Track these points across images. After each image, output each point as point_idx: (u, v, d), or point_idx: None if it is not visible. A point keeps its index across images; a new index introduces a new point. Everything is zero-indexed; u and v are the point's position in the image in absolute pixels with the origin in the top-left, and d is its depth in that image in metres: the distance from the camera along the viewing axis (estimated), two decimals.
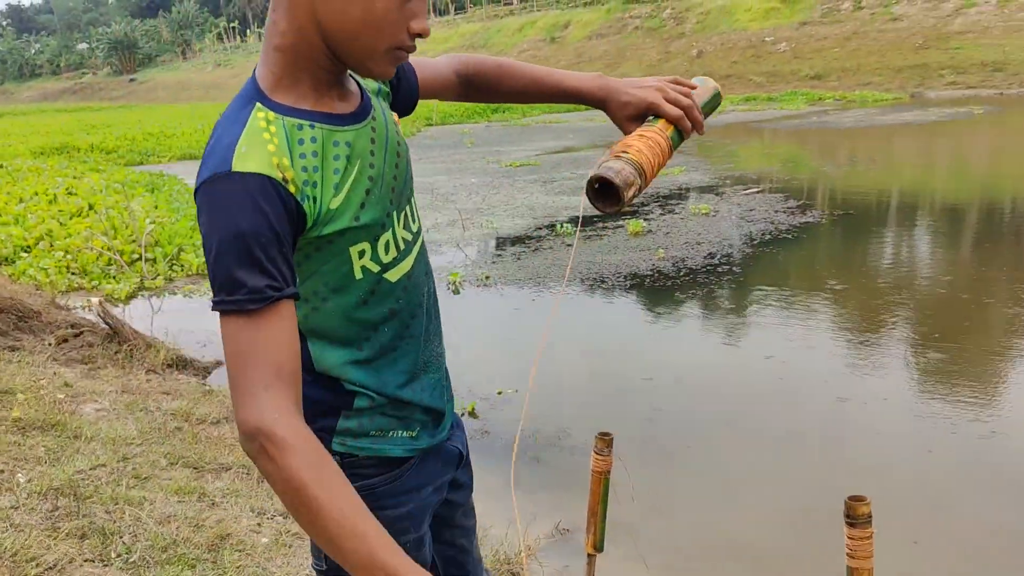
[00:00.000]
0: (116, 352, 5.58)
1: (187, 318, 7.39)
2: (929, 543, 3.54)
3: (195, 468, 3.75)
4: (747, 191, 13.11)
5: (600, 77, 1.43)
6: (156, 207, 12.26)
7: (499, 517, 3.67)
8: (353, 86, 1.23)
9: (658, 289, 7.84)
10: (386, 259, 1.21)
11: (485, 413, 5.11)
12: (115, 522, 2.99)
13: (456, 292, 8.06)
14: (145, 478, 3.51)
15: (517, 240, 10.18)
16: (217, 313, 1.05)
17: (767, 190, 13.29)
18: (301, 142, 1.10)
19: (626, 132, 1.40)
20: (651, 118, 1.40)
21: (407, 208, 1.28)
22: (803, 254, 9.65)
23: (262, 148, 1.06)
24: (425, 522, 1.39)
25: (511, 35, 50.04)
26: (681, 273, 8.30)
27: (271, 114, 1.10)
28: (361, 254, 1.17)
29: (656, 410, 5.08)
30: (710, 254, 9.07)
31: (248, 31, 76.95)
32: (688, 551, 3.55)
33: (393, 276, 1.23)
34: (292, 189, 1.06)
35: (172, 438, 4.11)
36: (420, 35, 1.14)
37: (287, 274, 1.05)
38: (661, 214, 11.53)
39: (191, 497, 3.38)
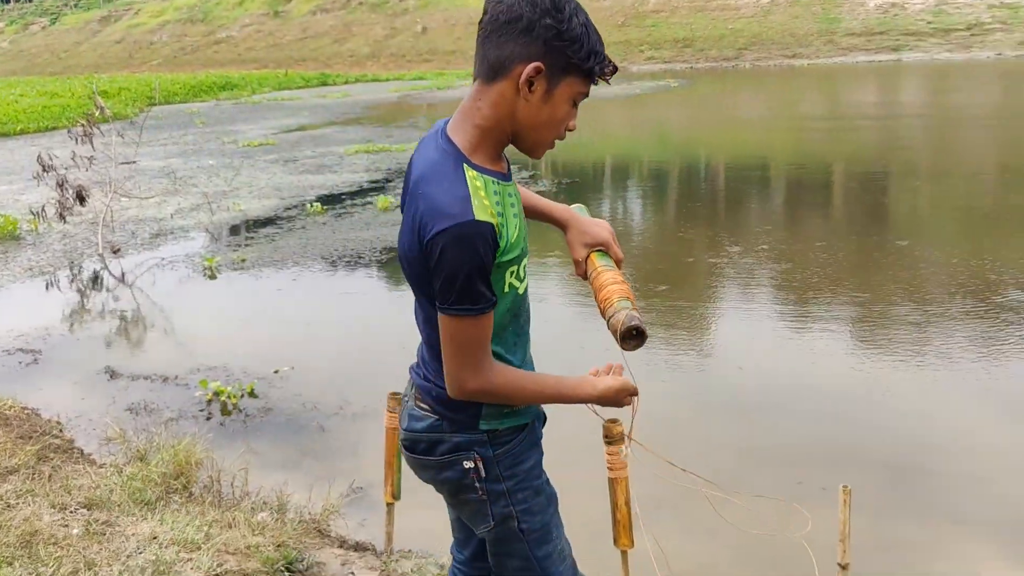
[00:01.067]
0: None
1: None
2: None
3: None
4: None
5: (567, 209, 1.96)
6: None
7: (297, 484, 3.94)
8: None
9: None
10: (523, 276, 1.68)
11: (265, 392, 5.28)
12: None
13: (212, 277, 7.98)
14: None
15: (268, 222, 10.14)
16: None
17: None
18: (496, 194, 1.56)
19: (574, 253, 1.90)
20: (599, 251, 1.89)
21: None
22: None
23: (484, 203, 1.51)
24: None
25: (231, 9, 47.61)
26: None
27: (475, 173, 1.54)
28: (512, 274, 1.63)
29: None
30: None
31: None
32: None
33: (522, 290, 1.71)
34: (498, 231, 1.52)
35: None
36: (571, 130, 1.67)
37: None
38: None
39: None
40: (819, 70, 34.36)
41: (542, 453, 1.89)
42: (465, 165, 1.54)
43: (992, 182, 11.45)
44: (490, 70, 1.52)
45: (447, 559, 3.09)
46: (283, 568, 3.12)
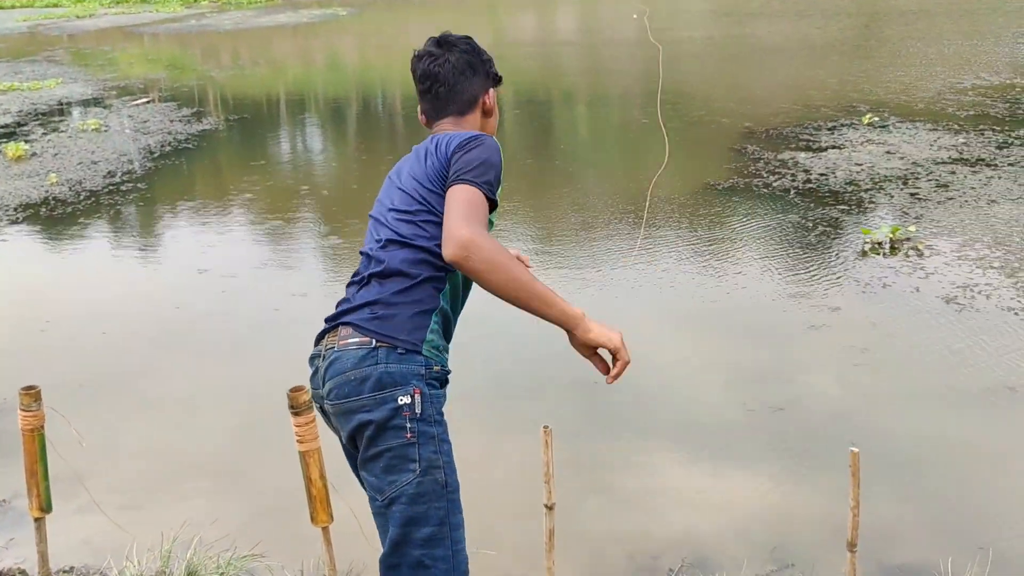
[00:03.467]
0: None
1: None
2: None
3: None
4: (137, 102, 12.49)
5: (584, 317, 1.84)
6: None
7: None
8: None
9: (59, 218, 7.21)
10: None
11: None
12: None
13: None
14: None
15: None
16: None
17: (157, 99, 12.83)
18: None
19: (581, 352, 1.85)
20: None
21: None
22: (207, 161, 9.70)
23: None
24: None
25: None
26: (81, 197, 7.73)
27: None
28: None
29: (91, 358, 4.83)
30: (110, 172, 8.57)
31: None
32: (139, 485, 3.54)
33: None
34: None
35: None
36: None
37: None
38: (45, 134, 10.40)
39: None
40: None
41: None
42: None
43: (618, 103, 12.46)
44: (464, 106, 2.04)
45: (116, 571, 2.67)
46: None
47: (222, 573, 2.61)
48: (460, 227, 1.67)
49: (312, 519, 2.25)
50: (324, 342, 1.85)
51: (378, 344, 1.74)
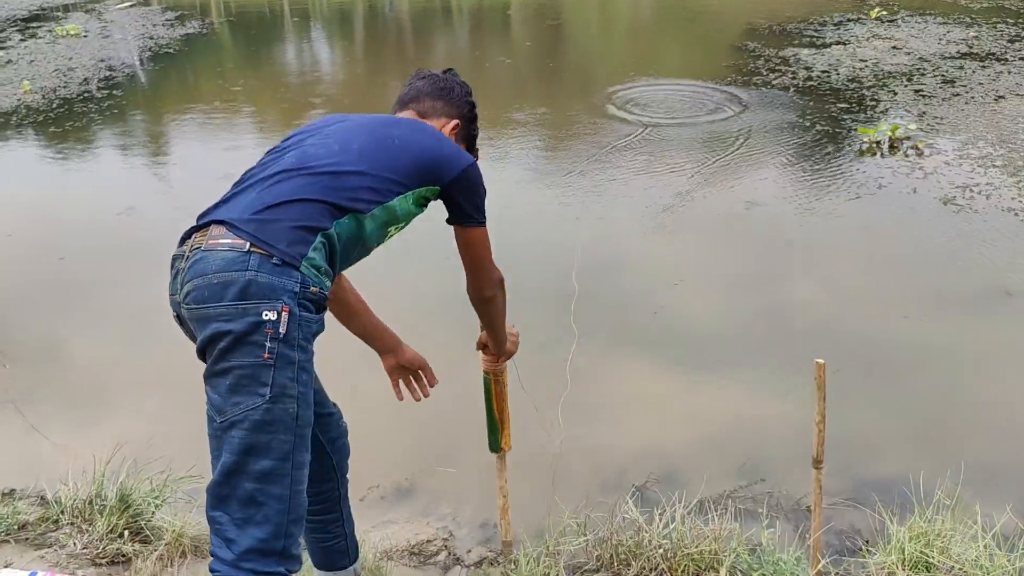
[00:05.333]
0: None
1: None
2: None
3: None
4: (120, 6, 12.02)
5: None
6: None
7: None
8: None
9: (32, 124, 6.98)
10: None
11: None
12: None
13: None
14: None
15: None
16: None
17: (140, 3, 12.35)
18: None
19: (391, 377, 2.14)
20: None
21: None
22: (190, 67, 9.35)
23: None
24: None
25: None
26: (54, 106, 7.46)
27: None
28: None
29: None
30: (85, 80, 8.26)
31: None
32: (86, 403, 3.44)
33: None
34: None
35: None
36: None
37: None
38: (22, 40, 10.03)
39: None
40: None
41: None
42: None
43: None
44: (452, 112, 2.01)
45: (50, 495, 2.57)
46: None
47: (156, 496, 2.51)
48: (494, 269, 1.89)
49: (494, 447, 2.25)
50: (190, 242, 1.62)
51: (252, 249, 1.54)
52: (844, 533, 2.56)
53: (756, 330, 3.65)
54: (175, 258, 1.64)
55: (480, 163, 1.88)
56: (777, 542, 2.36)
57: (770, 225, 4.60)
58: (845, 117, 6.06)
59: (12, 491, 2.76)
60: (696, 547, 2.31)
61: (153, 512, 2.48)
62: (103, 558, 2.34)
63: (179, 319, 1.65)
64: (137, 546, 2.38)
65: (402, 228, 1.83)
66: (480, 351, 2.18)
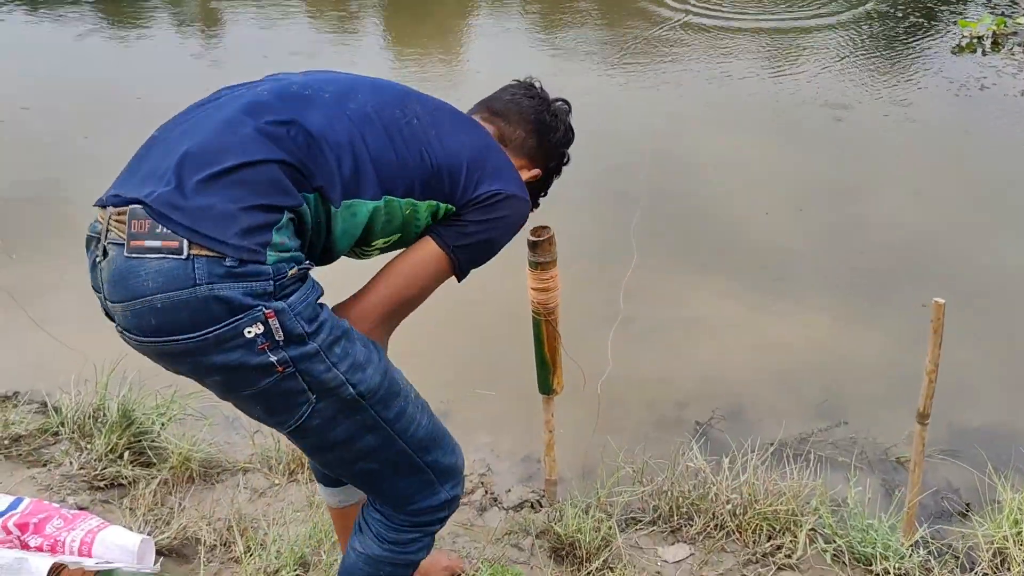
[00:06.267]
0: None
1: None
2: None
3: None
4: None
5: None
6: None
7: None
8: None
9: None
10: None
11: None
12: None
13: None
14: None
15: None
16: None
17: None
18: None
19: None
20: None
21: None
22: None
23: None
24: None
25: None
26: None
27: None
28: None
29: None
30: None
31: None
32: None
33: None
34: None
35: None
36: None
37: None
38: None
39: None
40: None
41: None
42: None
43: None
44: (524, 146, 1.53)
45: (50, 404, 2.33)
46: None
47: (162, 413, 2.24)
48: (394, 319, 1.38)
49: (546, 387, 2.00)
50: (107, 223, 1.18)
51: (193, 252, 1.11)
52: (940, 492, 2.23)
53: (840, 249, 3.24)
54: (89, 240, 1.23)
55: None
56: (866, 503, 2.04)
57: (856, 129, 4.11)
58: (942, 8, 5.41)
59: (15, 394, 2.53)
60: (770, 505, 2.01)
61: (158, 432, 2.23)
62: (100, 480, 2.10)
63: (107, 315, 1.24)
64: (138, 470, 2.13)
65: (391, 246, 1.36)
66: (530, 287, 1.85)
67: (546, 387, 2.02)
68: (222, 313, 1.11)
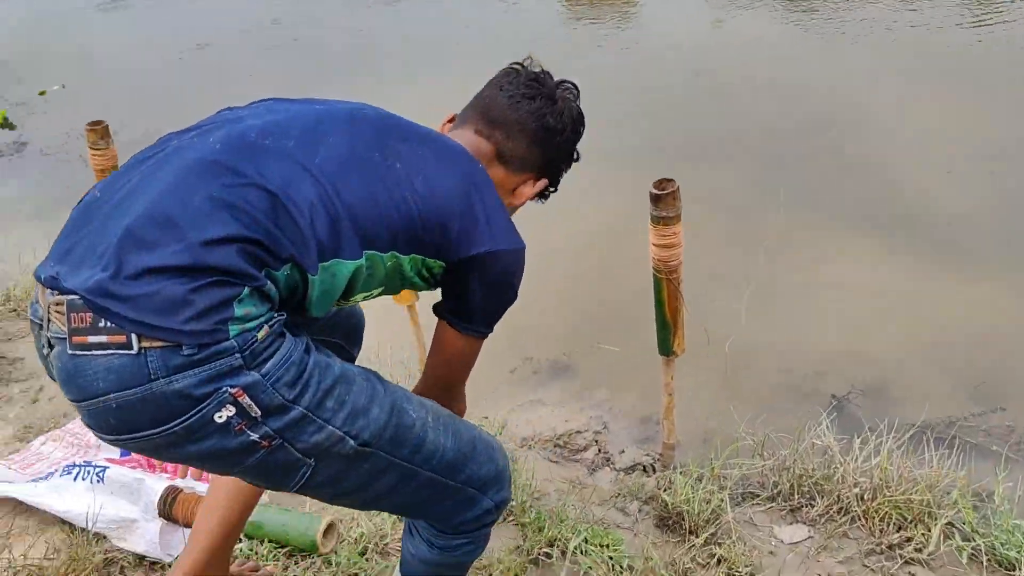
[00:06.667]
0: None
1: None
2: None
3: None
4: None
5: None
6: None
7: None
8: None
9: None
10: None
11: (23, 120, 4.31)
12: None
13: None
14: None
15: None
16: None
17: None
18: None
19: None
20: None
21: None
22: None
23: None
24: None
25: None
26: None
27: None
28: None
29: None
30: None
31: None
32: None
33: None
34: None
35: None
36: None
37: None
38: None
39: None
40: None
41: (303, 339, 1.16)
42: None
43: None
44: (521, 165, 1.41)
45: None
46: None
47: None
48: (462, 399, 1.41)
49: (666, 348, 1.94)
50: (47, 311, 1.05)
51: (144, 345, 0.99)
52: None
53: (1015, 214, 2.92)
54: (32, 324, 1.11)
55: None
56: (1015, 501, 1.84)
57: None
58: None
59: None
60: (903, 493, 1.84)
61: None
62: None
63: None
64: None
65: (374, 297, 1.26)
66: (651, 243, 1.76)
67: (666, 348, 1.95)
68: (185, 406, 1.01)
